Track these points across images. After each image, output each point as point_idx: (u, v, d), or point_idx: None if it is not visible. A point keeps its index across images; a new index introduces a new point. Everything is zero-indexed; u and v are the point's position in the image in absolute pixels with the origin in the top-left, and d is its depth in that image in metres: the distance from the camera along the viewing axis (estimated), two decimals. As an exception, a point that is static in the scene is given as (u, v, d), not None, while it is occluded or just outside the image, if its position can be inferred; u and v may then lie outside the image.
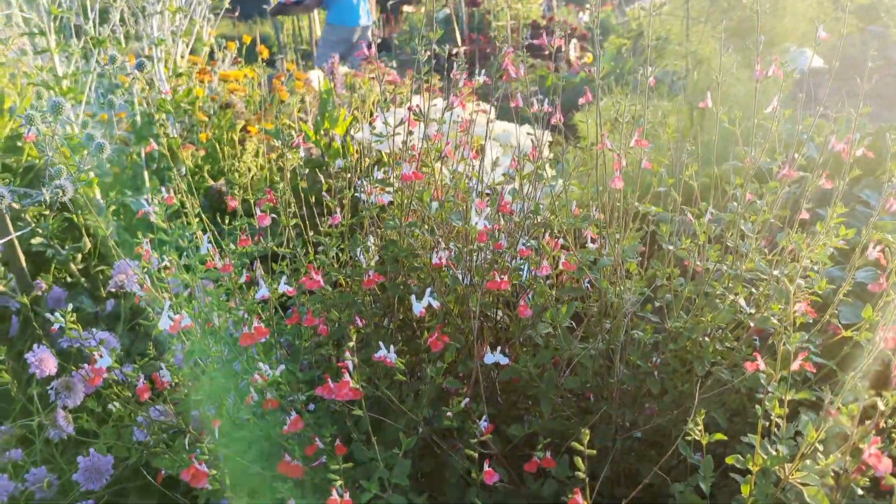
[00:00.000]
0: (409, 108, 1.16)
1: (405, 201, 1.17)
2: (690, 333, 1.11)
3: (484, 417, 1.03)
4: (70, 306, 1.10)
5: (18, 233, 1.67)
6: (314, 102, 3.10)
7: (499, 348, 1.05)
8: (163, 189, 1.39)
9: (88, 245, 1.86)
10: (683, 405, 1.15)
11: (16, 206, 1.40)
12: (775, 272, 1.02)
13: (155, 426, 1.08)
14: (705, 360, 1.10)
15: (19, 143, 2.38)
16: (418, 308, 0.92)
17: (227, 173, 2.86)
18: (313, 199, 1.51)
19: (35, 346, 1.53)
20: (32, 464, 1.54)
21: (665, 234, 1.12)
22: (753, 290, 1.13)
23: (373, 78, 2.80)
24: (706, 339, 1.11)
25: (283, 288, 0.93)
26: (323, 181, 1.45)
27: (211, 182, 2.66)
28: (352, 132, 2.63)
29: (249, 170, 2.84)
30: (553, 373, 1.12)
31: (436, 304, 0.93)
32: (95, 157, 1.89)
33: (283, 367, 0.92)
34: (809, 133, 1.13)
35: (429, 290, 0.92)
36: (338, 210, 1.27)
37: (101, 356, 1.03)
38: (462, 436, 1.08)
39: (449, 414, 0.92)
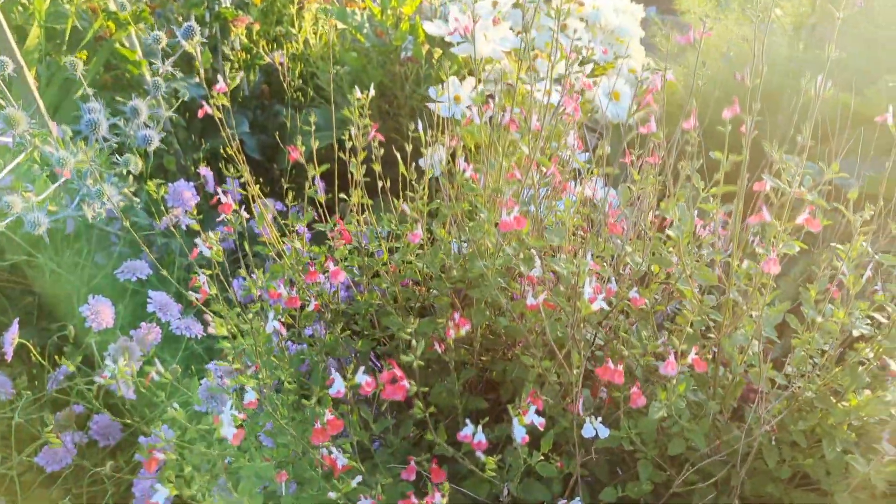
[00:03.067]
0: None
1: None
2: (824, 406, 0.95)
3: (577, 500, 0.92)
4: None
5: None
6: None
7: (598, 418, 0.92)
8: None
9: (140, 164, 1.71)
10: (801, 475, 1.03)
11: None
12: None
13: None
14: (837, 440, 0.95)
15: (62, 8, 2.18)
16: (520, 433, 0.77)
17: (283, 40, 2.61)
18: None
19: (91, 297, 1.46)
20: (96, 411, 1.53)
21: (811, 299, 0.93)
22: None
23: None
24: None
25: (362, 379, 0.80)
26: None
27: (267, 59, 2.43)
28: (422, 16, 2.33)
29: (307, 41, 2.58)
30: (654, 436, 1.00)
31: (539, 421, 0.78)
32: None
33: (359, 478, 0.80)
34: None
35: (533, 408, 0.78)
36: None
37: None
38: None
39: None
